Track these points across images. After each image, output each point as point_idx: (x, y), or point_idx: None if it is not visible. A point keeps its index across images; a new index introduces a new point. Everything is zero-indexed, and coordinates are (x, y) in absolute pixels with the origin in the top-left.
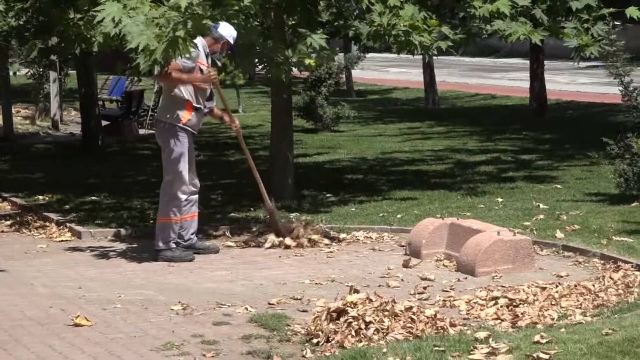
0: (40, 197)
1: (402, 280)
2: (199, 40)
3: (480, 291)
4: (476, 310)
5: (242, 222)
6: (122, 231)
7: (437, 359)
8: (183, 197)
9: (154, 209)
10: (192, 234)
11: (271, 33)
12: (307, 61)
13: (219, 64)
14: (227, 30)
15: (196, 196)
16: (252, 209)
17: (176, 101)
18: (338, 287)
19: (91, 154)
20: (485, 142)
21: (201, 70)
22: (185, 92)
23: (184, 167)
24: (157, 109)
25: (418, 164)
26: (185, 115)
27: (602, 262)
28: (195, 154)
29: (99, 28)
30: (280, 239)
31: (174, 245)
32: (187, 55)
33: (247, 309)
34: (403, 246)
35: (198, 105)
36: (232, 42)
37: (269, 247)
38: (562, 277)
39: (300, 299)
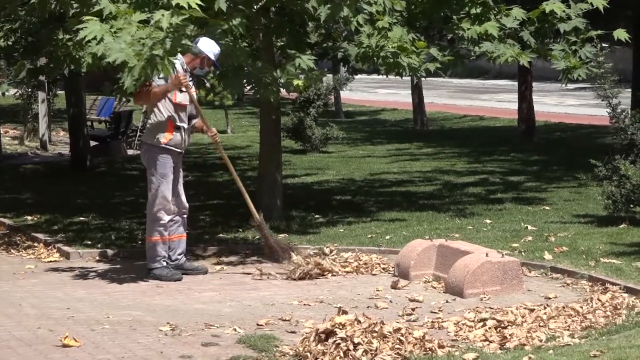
0: (29, 217)
1: (390, 301)
2: (176, 60)
3: (469, 312)
4: (464, 332)
5: (230, 243)
6: (110, 252)
7: None
8: (166, 217)
9: (142, 229)
10: (179, 255)
11: (260, 54)
12: (295, 82)
13: (207, 83)
14: (206, 46)
15: (184, 217)
16: (240, 229)
17: (158, 122)
18: (326, 309)
19: (80, 175)
20: (474, 164)
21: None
22: (165, 111)
23: (166, 187)
24: (144, 130)
25: (406, 185)
26: (167, 136)
27: (590, 283)
28: (183, 174)
29: (87, 48)
30: (309, 260)
31: (164, 264)
32: (162, 75)
33: (235, 329)
34: (392, 268)
35: (180, 124)
36: (212, 57)
37: (301, 276)
38: (550, 298)
39: (288, 320)
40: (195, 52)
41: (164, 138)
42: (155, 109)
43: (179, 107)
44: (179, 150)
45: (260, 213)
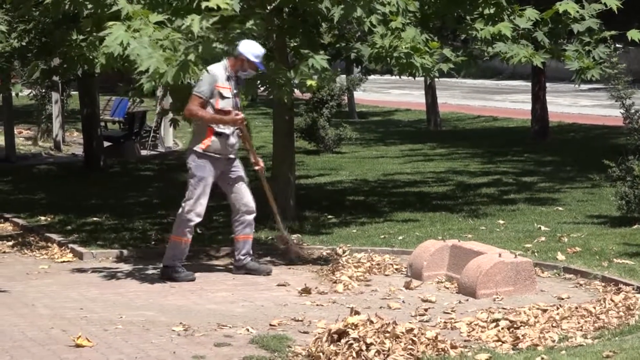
0: (42, 218)
1: (403, 302)
2: (220, 64)
3: (481, 313)
4: (477, 332)
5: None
6: (124, 252)
7: None
8: (195, 219)
9: (155, 230)
10: (243, 255)
11: (273, 55)
12: (308, 82)
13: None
14: (246, 47)
15: (250, 217)
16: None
17: (198, 127)
18: (339, 309)
19: (93, 175)
20: (487, 164)
21: (221, 95)
22: None
23: (203, 191)
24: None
25: (420, 186)
26: (206, 142)
27: (603, 284)
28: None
29: (102, 49)
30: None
31: (179, 265)
32: (192, 80)
33: (248, 330)
34: (405, 268)
35: (220, 130)
36: (252, 58)
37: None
38: (563, 299)
39: (301, 321)
40: (235, 55)
41: (203, 144)
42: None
43: (221, 114)
44: (219, 156)
45: (288, 233)
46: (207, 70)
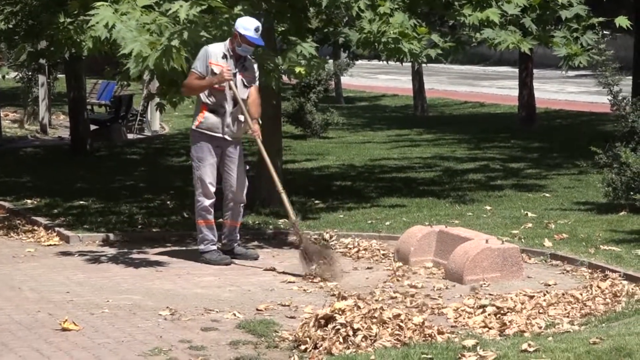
0: (29, 201)
1: (390, 287)
2: (220, 43)
3: (468, 299)
4: (464, 318)
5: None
6: (111, 236)
7: None
8: (206, 201)
9: (142, 214)
10: (228, 240)
11: None
12: (297, 69)
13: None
14: (238, 22)
15: (238, 206)
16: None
17: (195, 106)
18: (326, 294)
19: (79, 159)
20: (474, 150)
21: (213, 72)
22: (201, 94)
23: (204, 172)
24: None
25: (407, 171)
26: (199, 118)
27: (589, 271)
28: (246, 167)
29: (89, 32)
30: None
31: (212, 247)
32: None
33: (235, 314)
34: (392, 254)
35: (214, 107)
36: (243, 31)
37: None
38: (549, 285)
39: (288, 306)
40: (233, 33)
41: (196, 121)
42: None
43: (214, 90)
44: (214, 134)
45: (297, 215)
46: (190, 58)
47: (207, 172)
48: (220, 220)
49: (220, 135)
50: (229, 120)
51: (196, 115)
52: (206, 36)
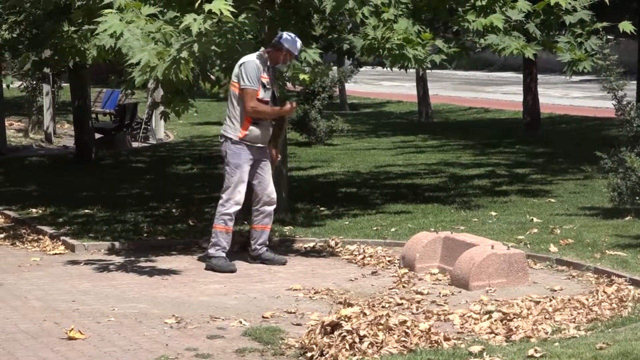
0: (34, 210)
1: (396, 294)
2: (254, 55)
3: (474, 305)
4: (470, 324)
5: (236, 235)
6: (116, 244)
7: None
8: (232, 209)
9: (147, 222)
10: (259, 245)
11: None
12: (301, 76)
13: (213, 75)
14: (290, 42)
15: (271, 208)
16: (245, 222)
17: (234, 115)
18: (332, 301)
19: (84, 167)
20: (479, 156)
21: (263, 85)
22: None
23: (239, 178)
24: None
25: (412, 178)
26: (243, 130)
27: (595, 276)
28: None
29: (94, 41)
30: None
31: (222, 254)
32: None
33: (241, 322)
34: (397, 260)
35: (259, 120)
36: (296, 53)
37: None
38: (555, 291)
39: (294, 313)
40: (278, 48)
41: (241, 133)
42: (236, 103)
43: (262, 104)
44: (256, 145)
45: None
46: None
47: (242, 179)
48: (247, 227)
49: (261, 145)
50: (269, 130)
51: (238, 126)
52: (216, 50)
